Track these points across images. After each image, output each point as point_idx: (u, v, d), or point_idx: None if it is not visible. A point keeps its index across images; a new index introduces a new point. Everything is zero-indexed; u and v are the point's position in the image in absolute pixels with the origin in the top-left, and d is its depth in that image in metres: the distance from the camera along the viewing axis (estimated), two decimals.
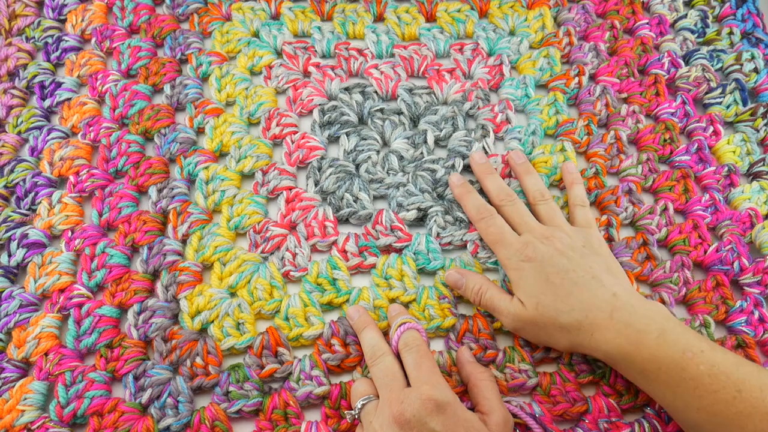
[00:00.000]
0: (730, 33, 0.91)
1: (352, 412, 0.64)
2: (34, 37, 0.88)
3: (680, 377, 0.59)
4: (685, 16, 0.92)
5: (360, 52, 0.87)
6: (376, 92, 0.84)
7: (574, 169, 0.79)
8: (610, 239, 0.76)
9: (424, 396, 0.58)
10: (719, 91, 0.86)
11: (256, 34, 0.88)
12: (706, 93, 0.86)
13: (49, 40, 0.88)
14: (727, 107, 0.85)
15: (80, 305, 0.71)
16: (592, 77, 0.87)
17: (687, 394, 0.58)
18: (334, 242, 0.76)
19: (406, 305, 0.73)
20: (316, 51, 0.87)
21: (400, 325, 0.67)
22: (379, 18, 0.91)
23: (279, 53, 0.87)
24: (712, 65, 0.88)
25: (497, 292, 0.70)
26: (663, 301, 0.73)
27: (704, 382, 0.58)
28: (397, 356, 0.66)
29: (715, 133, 0.83)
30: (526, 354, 0.70)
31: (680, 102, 0.85)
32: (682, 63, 0.87)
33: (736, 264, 0.75)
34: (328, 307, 0.73)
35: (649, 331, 0.61)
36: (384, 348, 0.66)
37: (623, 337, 0.62)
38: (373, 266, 0.75)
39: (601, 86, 0.85)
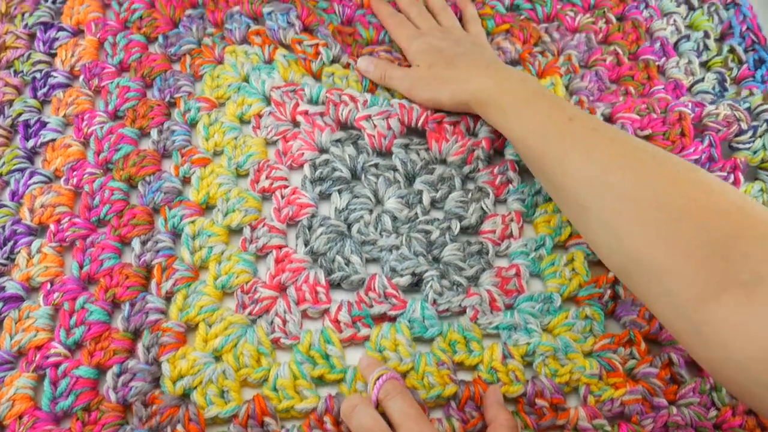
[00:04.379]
0: (750, 95, 0.91)
1: None
2: (22, 71, 0.88)
3: (527, 109, 0.72)
4: (702, 79, 0.92)
5: (353, 98, 0.86)
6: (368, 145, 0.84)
7: None
8: (616, 297, 0.78)
9: None
10: (749, 134, 0.85)
11: (246, 79, 0.88)
12: (736, 135, 0.86)
13: (38, 75, 0.87)
14: (755, 153, 0.85)
15: (57, 365, 0.70)
16: (609, 117, 0.88)
17: (528, 121, 0.71)
18: (326, 310, 0.75)
19: (404, 375, 0.72)
20: (303, 95, 0.86)
21: (378, 378, 0.68)
22: (371, 90, 0.90)
23: (268, 100, 0.87)
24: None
25: (397, 67, 0.87)
26: (671, 362, 0.74)
27: (543, 111, 0.71)
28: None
29: (735, 181, 0.83)
30: (530, 420, 0.70)
31: (707, 144, 0.85)
32: (707, 104, 0.87)
33: None
34: (320, 381, 0.73)
35: (513, 78, 0.76)
36: (359, 399, 0.67)
37: (491, 81, 0.76)
38: (367, 338, 0.74)
39: (620, 124, 0.86)
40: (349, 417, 0.66)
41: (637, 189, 0.61)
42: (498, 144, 0.85)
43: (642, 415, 0.71)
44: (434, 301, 0.76)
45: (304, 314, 0.76)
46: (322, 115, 0.85)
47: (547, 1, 0.97)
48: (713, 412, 0.71)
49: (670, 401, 0.72)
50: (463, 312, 0.77)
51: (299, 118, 0.85)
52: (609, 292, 0.77)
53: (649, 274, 0.59)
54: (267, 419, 0.69)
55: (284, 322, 0.74)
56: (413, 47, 0.86)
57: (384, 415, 0.65)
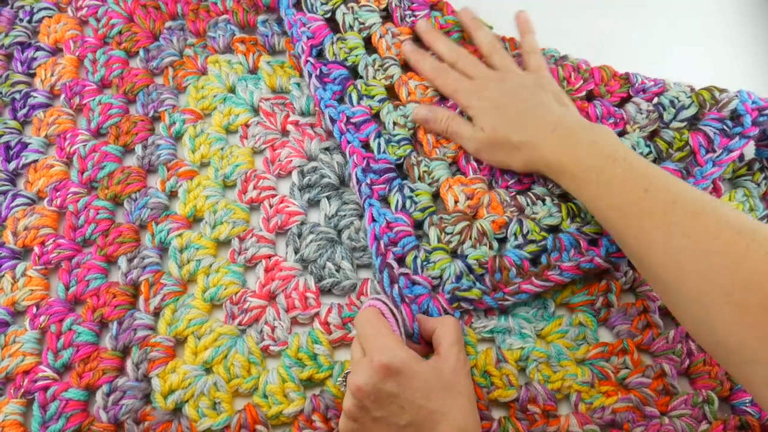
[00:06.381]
0: None
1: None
2: (1, 93, 0.88)
3: (600, 178, 0.67)
4: None
5: None
6: None
7: (527, 18, 0.85)
8: (609, 305, 0.76)
9: (375, 364, 0.61)
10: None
11: (232, 90, 0.88)
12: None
13: (17, 96, 0.88)
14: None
15: (45, 388, 0.70)
16: None
17: (604, 193, 0.67)
18: (316, 314, 0.75)
19: None
20: (294, 108, 0.86)
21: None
22: None
23: (256, 110, 0.86)
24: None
25: (461, 121, 0.80)
26: (664, 372, 0.72)
27: (617, 182, 0.66)
28: None
29: (715, 189, 0.81)
30: (521, 426, 0.70)
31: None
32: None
33: None
34: (309, 382, 0.73)
35: (584, 141, 0.70)
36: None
37: (561, 148, 0.71)
38: None
39: None
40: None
41: (726, 272, 0.57)
42: None
43: (633, 423, 0.70)
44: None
45: (294, 321, 0.76)
46: (312, 126, 0.85)
47: None
48: (704, 426, 0.70)
49: (662, 412, 0.72)
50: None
51: (289, 127, 0.85)
52: (602, 299, 0.76)
53: (743, 362, 0.57)
54: (258, 427, 0.69)
55: (273, 329, 0.74)
56: (472, 106, 0.79)
57: None
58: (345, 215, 0.80)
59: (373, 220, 0.77)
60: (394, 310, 0.69)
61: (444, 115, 0.81)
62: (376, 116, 0.84)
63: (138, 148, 0.84)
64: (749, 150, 0.81)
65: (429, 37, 0.86)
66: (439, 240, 0.76)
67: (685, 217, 0.61)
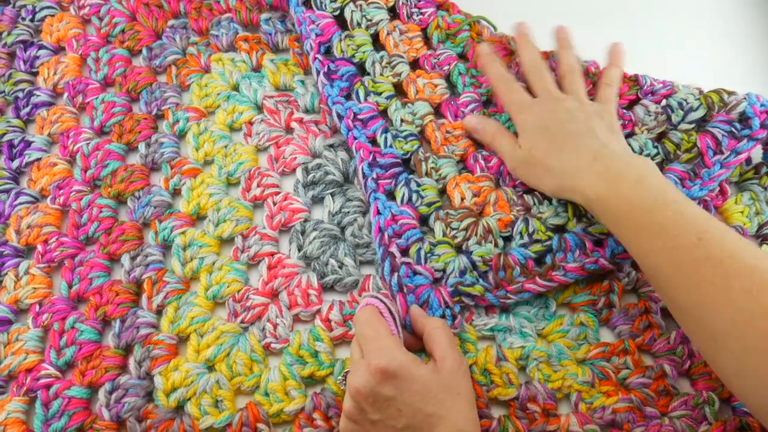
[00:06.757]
0: None
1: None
2: (4, 91, 0.89)
3: (648, 221, 0.63)
4: None
5: None
6: None
7: (620, 51, 0.84)
8: (611, 305, 0.76)
9: (372, 367, 0.61)
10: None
11: (236, 88, 0.88)
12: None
13: (20, 95, 0.88)
14: None
15: (48, 386, 0.71)
16: None
17: (652, 238, 0.63)
18: (318, 311, 0.75)
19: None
20: (298, 105, 0.86)
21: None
22: None
23: (259, 108, 0.86)
24: None
25: (507, 136, 0.78)
26: (665, 373, 0.72)
27: (668, 227, 0.62)
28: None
29: (722, 192, 0.81)
30: (521, 424, 0.70)
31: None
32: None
33: None
34: (310, 380, 0.73)
35: (628, 177, 0.66)
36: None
37: (602, 180, 0.67)
38: None
39: None
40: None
41: None
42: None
43: (633, 423, 0.70)
44: None
45: (297, 318, 0.76)
46: (317, 123, 0.85)
47: None
48: (704, 427, 0.70)
49: (662, 413, 0.72)
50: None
51: (293, 125, 0.85)
52: (603, 299, 0.76)
53: None
54: (260, 425, 0.69)
55: (275, 326, 0.74)
56: (519, 120, 0.77)
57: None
58: (349, 212, 0.80)
59: (378, 212, 0.77)
60: (392, 308, 0.69)
61: (492, 129, 0.80)
62: (383, 113, 0.84)
63: (141, 146, 0.84)
64: (756, 153, 0.81)
65: (517, 43, 0.84)
66: (445, 234, 0.76)
67: (745, 270, 0.58)
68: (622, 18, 0.96)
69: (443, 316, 0.73)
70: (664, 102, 0.82)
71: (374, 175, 0.79)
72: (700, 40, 0.94)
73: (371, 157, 0.80)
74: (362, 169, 0.79)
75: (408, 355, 0.64)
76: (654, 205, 0.64)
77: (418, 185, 0.79)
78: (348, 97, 0.85)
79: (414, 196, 0.78)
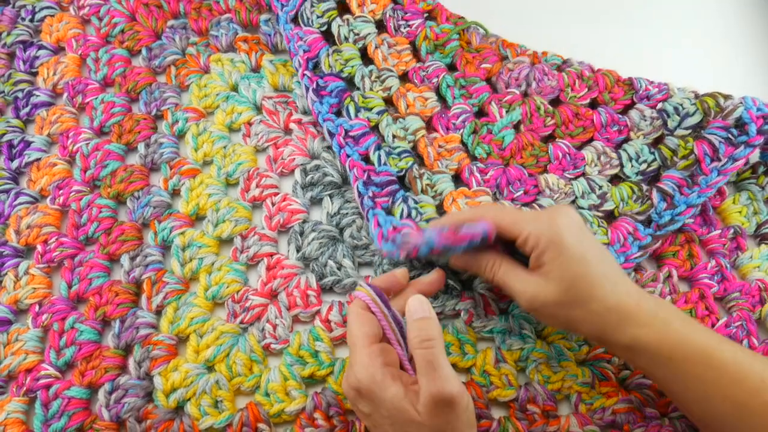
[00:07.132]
0: None
1: None
2: (3, 91, 0.89)
3: (707, 365, 0.59)
4: None
5: None
6: None
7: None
8: None
9: (347, 383, 0.61)
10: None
11: (235, 88, 0.88)
12: None
13: (20, 95, 0.88)
14: None
15: (48, 386, 0.71)
16: None
17: (713, 383, 0.59)
18: (317, 312, 0.76)
19: None
20: (297, 106, 0.86)
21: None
22: None
23: (258, 109, 0.87)
24: None
25: (513, 266, 0.67)
26: None
27: (729, 370, 0.59)
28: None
29: (720, 192, 0.82)
30: (521, 425, 0.70)
31: None
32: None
33: (745, 342, 0.75)
34: (311, 380, 0.73)
35: (673, 319, 0.62)
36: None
37: (650, 327, 0.61)
38: None
39: None
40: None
41: None
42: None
43: (633, 424, 0.71)
44: None
45: (296, 319, 0.76)
46: (315, 124, 0.85)
47: None
48: None
49: (662, 413, 0.72)
50: (457, 315, 0.77)
51: (292, 125, 0.85)
52: None
53: None
54: (260, 425, 0.70)
55: (274, 327, 0.75)
56: (532, 234, 0.66)
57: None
58: (347, 213, 0.80)
59: (379, 225, 0.76)
60: (382, 306, 0.65)
61: (487, 260, 0.69)
62: (374, 128, 0.84)
63: (141, 147, 0.84)
64: (754, 153, 0.80)
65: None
66: None
67: None
68: (620, 17, 0.96)
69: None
70: (659, 106, 0.82)
71: (370, 194, 0.79)
72: (700, 41, 0.95)
73: (365, 175, 0.79)
74: (357, 188, 0.79)
75: (377, 375, 0.58)
76: (708, 345, 0.60)
77: (416, 202, 0.79)
78: (338, 113, 0.84)
79: (413, 213, 0.78)
